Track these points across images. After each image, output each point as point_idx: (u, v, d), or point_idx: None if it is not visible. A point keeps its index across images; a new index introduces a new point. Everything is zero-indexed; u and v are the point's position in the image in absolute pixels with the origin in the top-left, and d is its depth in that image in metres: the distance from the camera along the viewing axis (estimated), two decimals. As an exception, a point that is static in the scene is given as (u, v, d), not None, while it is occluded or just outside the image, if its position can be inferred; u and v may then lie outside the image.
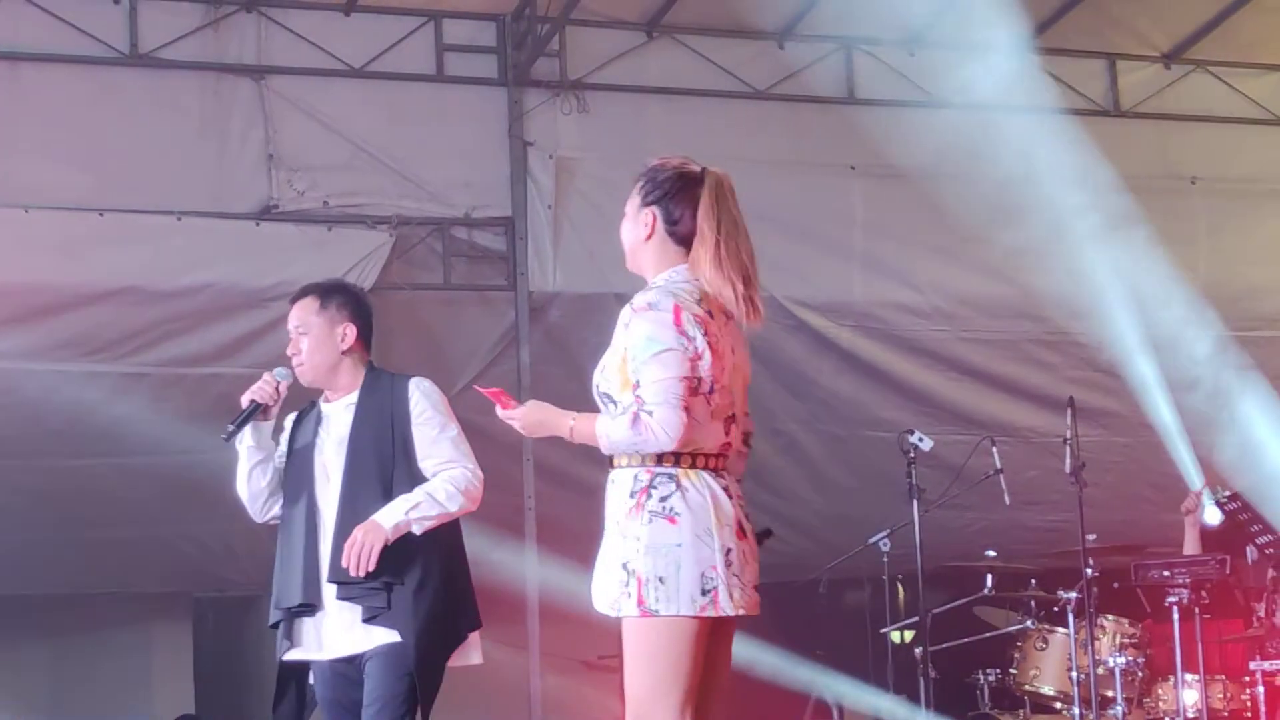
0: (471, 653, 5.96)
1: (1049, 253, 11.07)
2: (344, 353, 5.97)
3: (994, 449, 9.40)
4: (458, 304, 10.30)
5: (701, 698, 4.72)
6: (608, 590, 4.67)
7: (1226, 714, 9.12)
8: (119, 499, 10.49)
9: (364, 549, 5.62)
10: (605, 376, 4.74)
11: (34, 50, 9.61)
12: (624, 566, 4.62)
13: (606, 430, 4.64)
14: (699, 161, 4.93)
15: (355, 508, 5.77)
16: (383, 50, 10.18)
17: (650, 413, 4.58)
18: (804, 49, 10.88)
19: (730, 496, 4.72)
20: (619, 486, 4.71)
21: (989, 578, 9.55)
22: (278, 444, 6.07)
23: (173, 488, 10.41)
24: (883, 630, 9.95)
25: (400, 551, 5.71)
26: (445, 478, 5.80)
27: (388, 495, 5.77)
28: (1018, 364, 11.22)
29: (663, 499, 4.63)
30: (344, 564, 5.65)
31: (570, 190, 10.37)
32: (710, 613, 4.62)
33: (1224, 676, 9.16)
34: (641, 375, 4.61)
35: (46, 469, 10.17)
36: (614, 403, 4.70)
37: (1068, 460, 8.92)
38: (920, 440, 9.01)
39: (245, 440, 6.01)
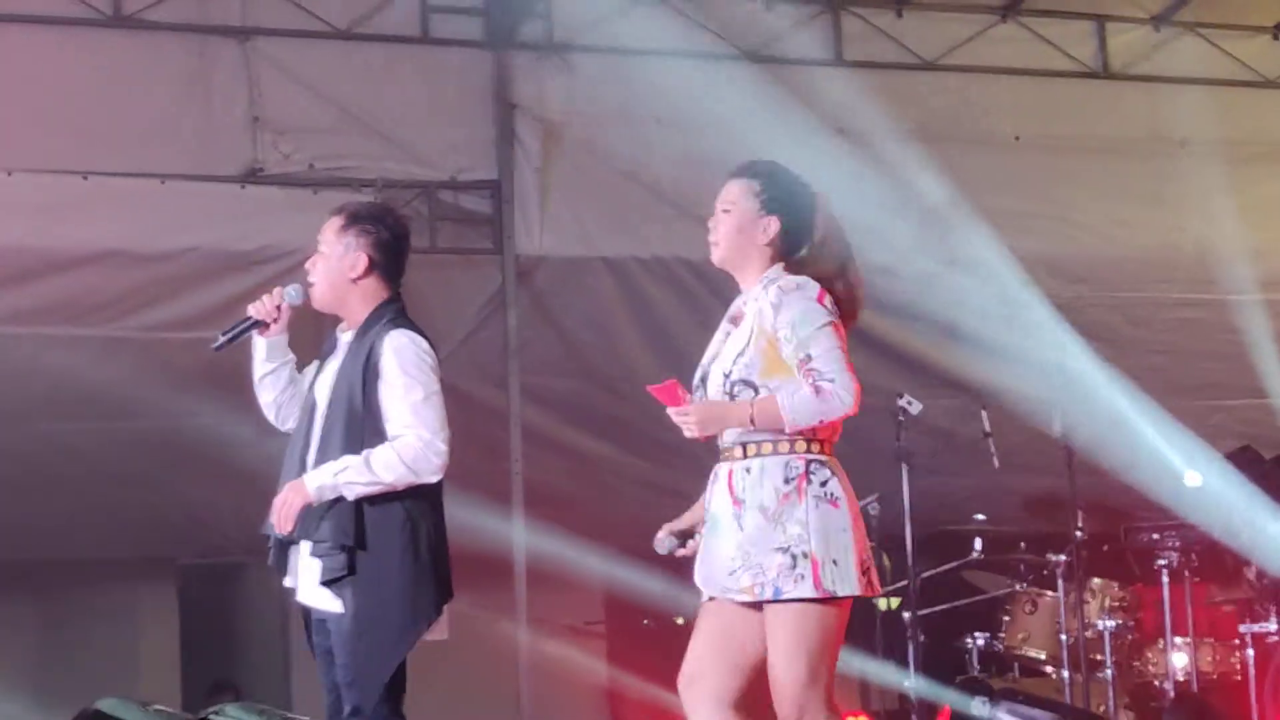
0: (436, 628, 5.69)
1: (1038, 215, 11.06)
2: (353, 281, 5.75)
3: (983, 413, 9.38)
4: (444, 267, 10.23)
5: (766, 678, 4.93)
6: (744, 575, 4.80)
7: (1215, 676, 9.13)
8: (103, 465, 10.44)
9: (285, 507, 5.51)
10: (744, 364, 4.89)
11: (16, 12, 9.52)
12: (786, 551, 4.75)
13: (790, 405, 4.78)
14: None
15: (326, 455, 5.60)
16: (368, 12, 10.11)
17: (832, 379, 4.78)
18: (791, 10, 10.82)
19: None
20: (764, 474, 4.83)
21: (978, 542, 9.54)
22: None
23: (157, 453, 10.38)
24: (876, 605, 9.93)
25: (358, 515, 5.52)
26: (391, 446, 5.52)
27: (355, 447, 5.55)
28: (1007, 327, 11.17)
29: (823, 484, 4.82)
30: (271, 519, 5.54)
31: (557, 153, 10.31)
32: (870, 593, 4.88)
33: (1213, 639, 9.17)
34: (812, 348, 4.81)
35: (29, 434, 10.12)
36: (753, 389, 4.86)
37: (1056, 425, 8.89)
38: (910, 404, 9.00)
39: (258, 351, 5.91)
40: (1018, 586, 9.46)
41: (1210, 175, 11.35)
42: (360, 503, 5.55)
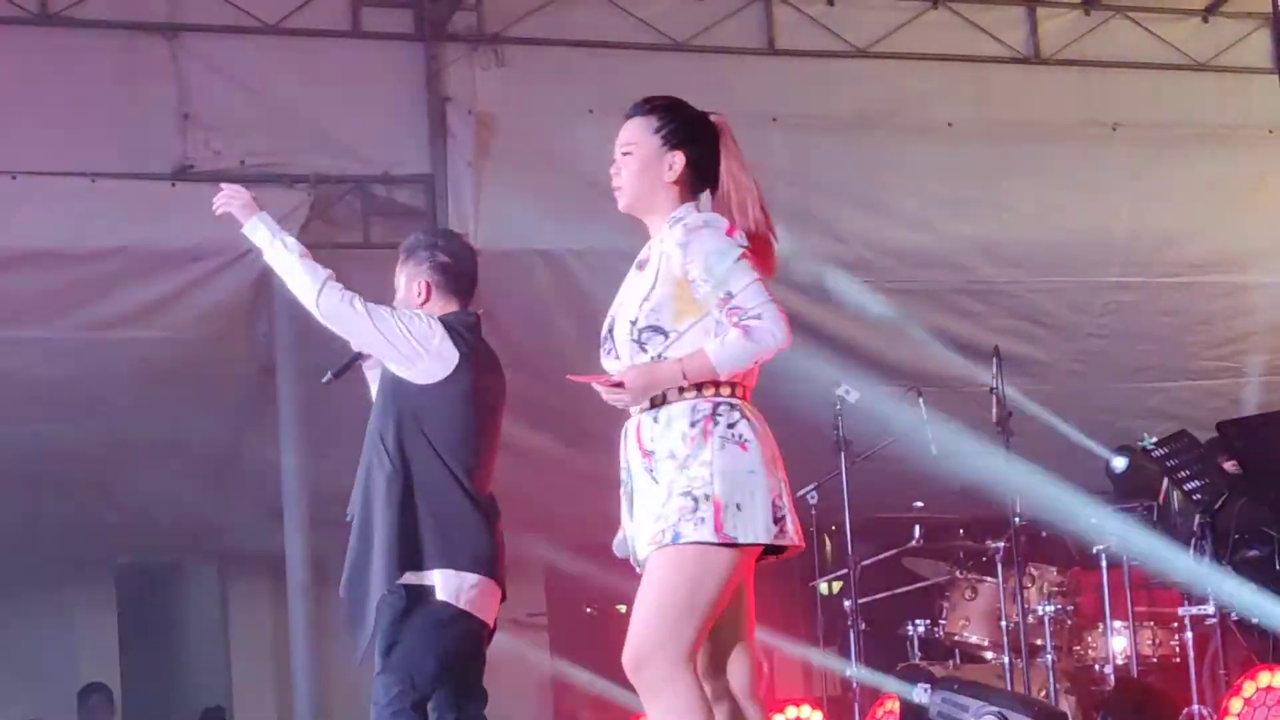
0: (441, 588, 5.93)
1: (972, 201, 11.10)
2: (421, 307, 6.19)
3: (920, 400, 9.39)
4: (379, 263, 10.09)
5: (742, 628, 4.70)
6: (661, 520, 4.50)
7: (1156, 659, 9.16)
8: (36, 466, 10.37)
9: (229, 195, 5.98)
10: (649, 309, 4.63)
11: (-59, 11, 9.44)
12: (689, 494, 4.46)
13: (720, 355, 4.52)
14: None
15: None
16: (298, 6, 10.04)
17: (758, 315, 4.50)
18: (722, 0, 10.81)
19: None
20: (671, 420, 4.56)
21: (917, 529, 9.54)
22: None
23: (92, 454, 10.32)
24: (812, 583, 9.95)
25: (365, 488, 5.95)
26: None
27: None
28: (943, 314, 11.21)
29: (730, 425, 4.52)
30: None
31: (491, 146, 10.27)
32: (782, 541, 4.53)
33: (1153, 623, 9.19)
34: (731, 284, 4.52)
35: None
36: (663, 335, 4.60)
37: (994, 410, 8.91)
38: (848, 393, 8.99)
39: (371, 376, 6.20)
40: (957, 573, 9.46)
41: (1142, 158, 11.42)
42: None
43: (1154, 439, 9.08)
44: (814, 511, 9.43)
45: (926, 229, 10.99)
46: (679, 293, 4.60)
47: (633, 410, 4.65)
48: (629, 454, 4.67)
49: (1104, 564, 8.92)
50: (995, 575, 9.11)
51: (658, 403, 4.59)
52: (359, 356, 6.09)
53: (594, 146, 10.11)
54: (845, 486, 9.03)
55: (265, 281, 9.70)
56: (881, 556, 9.75)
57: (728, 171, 4.73)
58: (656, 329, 4.61)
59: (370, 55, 10.30)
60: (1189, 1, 11.66)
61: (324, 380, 6.11)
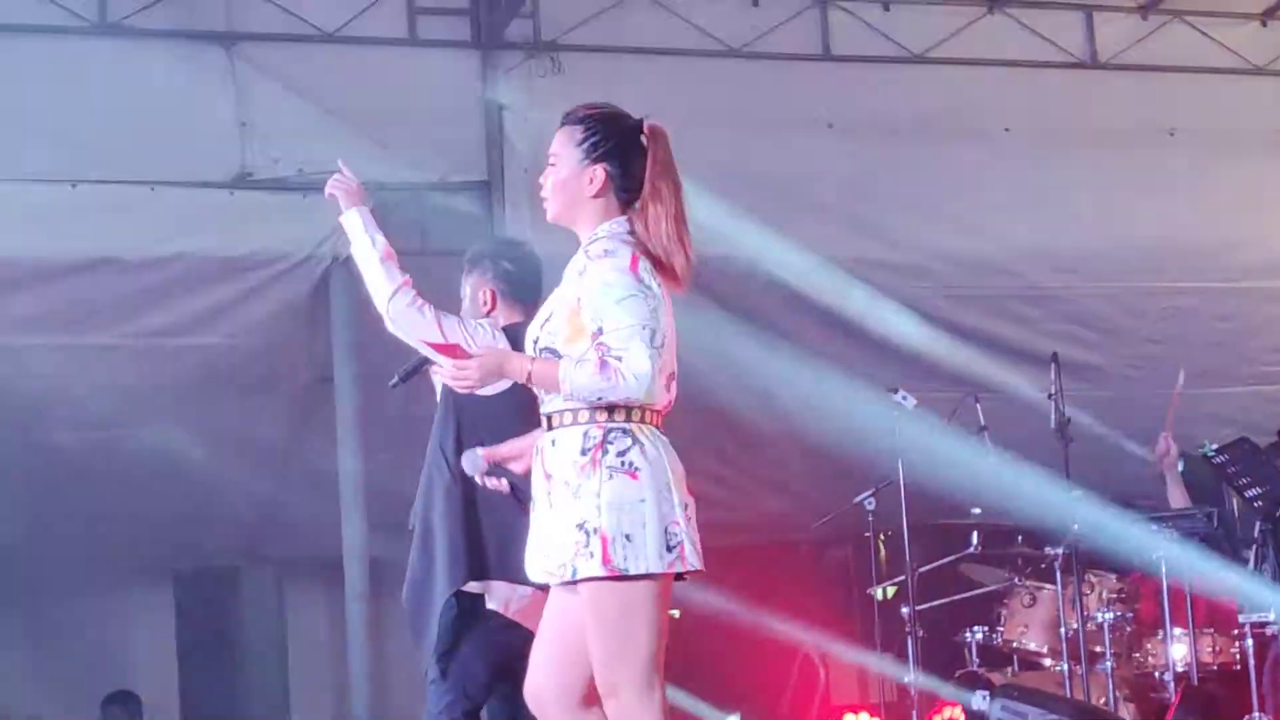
0: (490, 598, 6.00)
1: (1029, 207, 11.06)
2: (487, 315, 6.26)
3: (978, 406, 9.36)
4: (436, 270, 10.16)
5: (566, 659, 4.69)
6: (557, 554, 4.54)
7: (1215, 667, 9.09)
8: (95, 473, 10.43)
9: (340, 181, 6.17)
10: (548, 330, 4.64)
11: (2, 20, 9.49)
12: (580, 527, 4.49)
13: (570, 375, 4.50)
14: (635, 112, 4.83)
15: None
16: (355, 15, 10.08)
17: (619, 358, 4.47)
18: (778, 6, 10.80)
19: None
20: (564, 446, 4.57)
21: (975, 535, 9.51)
22: None
23: (149, 460, 10.35)
24: (869, 590, 9.92)
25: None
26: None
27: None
28: (999, 319, 11.17)
29: (620, 454, 4.52)
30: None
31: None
32: (679, 567, 4.52)
33: (1213, 630, 9.12)
34: (604, 321, 4.51)
35: (21, 444, 10.10)
36: (558, 357, 4.58)
37: (1052, 416, 8.87)
38: (904, 399, 8.97)
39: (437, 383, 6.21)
40: (1016, 580, 9.42)
41: (1200, 163, 11.36)
42: None
43: (1214, 445, 9.03)
44: (871, 518, 9.41)
45: (982, 235, 10.96)
46: (573, 318, 4.60)
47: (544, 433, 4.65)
48: (535, 476, 4.69)
49: (1164, 570, 8.86)
50: (1054, 582, 9.06)
51: (555, 424, 4.60)
52: (426, 361, 6.09)
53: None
54: (903, 492, 9.01)
55: (323, 288, 9.75)
56: (939, 563, 9.72)
57: (650, 182, 4.67)
58: (553, 350, 4.62)
59: (427, 63, 10.32)
60: (1247, 5, 11.60)
61: (391, 384, 6.13)
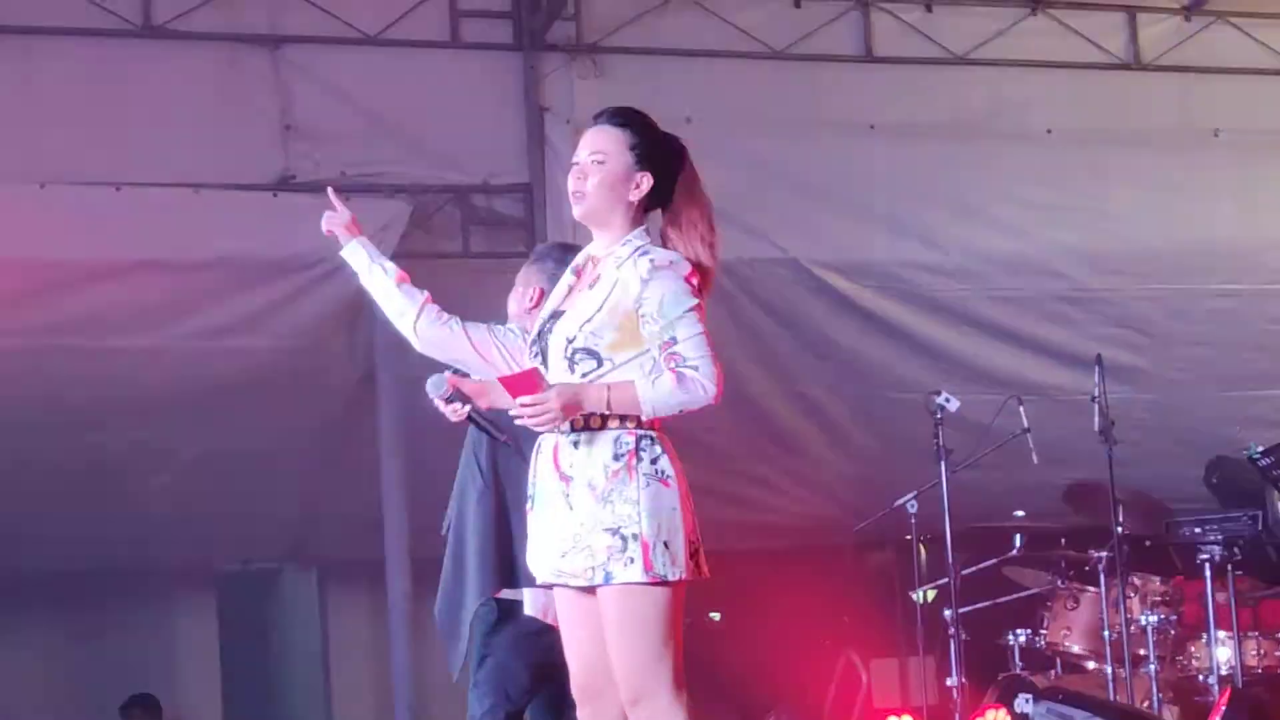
0: (528, 604, 5.98)
1: (1072, 208, 11.03)
2: (527, 312, 6.16)
3: (1020, 408, 9.33)
4: (478, 272, 10.21)
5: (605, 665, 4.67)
6: (582, 557, 4.57)
7: (1260, 671, 9.05)
8: (139, 474, 10.48)
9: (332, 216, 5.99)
10: (588, 330, 4.62)
11: (47, 23, 9.54)
12: (617, 533, 4.52)
13: (649, 395, 4.53)
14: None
15: None
16: (398, 17, 10.11)
17: (695, 368, 4.53)
18: (820, 7, 10.79)
19: None
20: (594, 448, 4.58)
21: (1018, 538, 9.48)
22: None
23: (193, 462, 10.40)
24: (912, 593, 9.89)
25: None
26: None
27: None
28: (1042, 321, 11.15)
29: (653, 461, 4.57)
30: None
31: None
32: (699, 576, 4.61)
33: (1257, 633, 9.08)
34: (677, 331, 4.55)
35: (67, 446, 10.16)
36: (596, 360, 4.60)
37: (1096, 419, 8.84)
38: (947, 401, 8.94)
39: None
40: (1059, 582, 9.38)
41: (1244, 164, 11.32)
42: None
43: (1260, 447, 9.00)
44: (914, 520, 9.39)
45: (1026, 236, 10.94)
46: (625, 324, 4.60)
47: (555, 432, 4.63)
48: (541, 474, 4.68)
49: (1208, 574, 8.82)
50: (1097, 585, 9.02)
51: (578, 427, 4.59)
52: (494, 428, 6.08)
53: (692, 155, 10.20)
54: (945, 495, 8.98)
55: (365, 290, 9.77)
56: (982, 566, 9.69)
57: (685, 189, 4.73)
58: (591, 353, 4.62)
59: (469, 65, 10.35)
60: (1291, 6, 11.55)
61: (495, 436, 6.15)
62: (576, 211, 4.79)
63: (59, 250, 9.36)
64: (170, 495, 10.70)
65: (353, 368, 10.30)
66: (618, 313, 4.61)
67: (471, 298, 10.22)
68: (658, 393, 4.53)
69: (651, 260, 4.62)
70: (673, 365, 4.54)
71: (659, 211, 4.76)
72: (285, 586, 13.77)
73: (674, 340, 4.55)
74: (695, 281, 4.62)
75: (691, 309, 4.57)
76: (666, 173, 4.74)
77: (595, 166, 4.74)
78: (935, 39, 10.93)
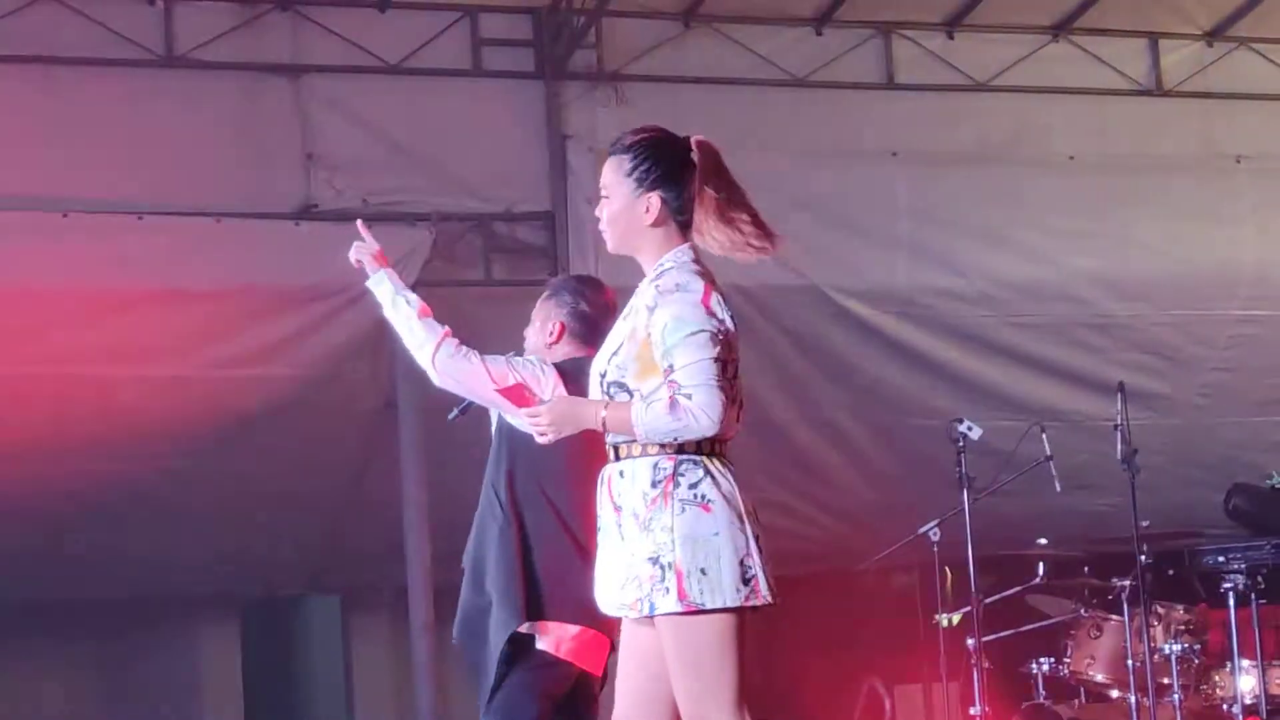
0: (541, 638, 5.95)
1: (1094, 235, 11.02)
2: (548, 347, 6.20)
3: (1043, 435, 9.31)
4: (500, 300, 10.23)
5: (663, 697, 4.59)
6: (632, 589, 4.49)
7: (1285, 699, 9.03)
8: (164, 503, 10.48)
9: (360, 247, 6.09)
10: (616, 364, 4.56)
11: (69, 54, 9.58)
12: (654, 561, 4.44)
13: (642, 417, 4.44)
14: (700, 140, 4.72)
15: None
16: (419, 46, 10.13)
17: (689, 396, 4.40)
18: (842, 35, 10.81)
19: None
20: (634, 478, 4.51)
21: (1041, 565, 9.45)
22: None
23: (217, 490, 10.40)
24: (935, 620, 9.87)
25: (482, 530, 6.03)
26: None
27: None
28: (1065, 348, 11.13)
29: (692, 486, 4.45)
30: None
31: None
32: (754, 601, 4.46)
33: (1281, 662, 9.06)
34: (675, 359, 4.44)
35: (90, 474, 10.16)
36: (628, 393, 4.53)
37: (1119, 446, 8.82)
38: (969, 429, 8.92)
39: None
40: (1082, 611, 9.36)
41: (1267, 190, 11.33)
42: None
43: (1281, 476, 8.99)
44: (936, 548, 9.37)
45: (1048, 262, 10.93)
46: (643, 352, 4.52)
47: (608, 458, 4.60)
48: (601, 505, 4.64)
49: (1231, 602, 8.79)
50: (1121, 613, 9.00)
51: (623, 455, 4.54)
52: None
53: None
54: (968, 523, 8.96)
55: (387, 320, 9.78)
56: (1005, 594, 9.66)
57: (698, 201, 4.60)
58: (622, 385, 4.55)
59: (491, 94, 10.36)
60: (1314, 31, 11.54)
61: (450, 417, 6.14)
62: (609, 247, 4.74)
63: (81, 279, 9.38)
64: (193, 523, 10.70)
65: (374, 396, 10.31)
66: (635, 343, 4.54)
67: (493, 325, 10.30)
68: (649, 417, 4.44)
69: (657, 286, 4.55)
70: (670, 392, 4.45)
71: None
72: (308, 613, 13.76)
73: (671, 368, 4.45)
74: (709, 304, 4.50)
75: (693, 334, 4.45)
76: (681, 187, 4.62)
77: (605, 202, 4.71)
78: (957, 66, 10.93)
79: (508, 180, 10.26)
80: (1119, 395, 8.91)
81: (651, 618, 4.49)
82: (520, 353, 6.23)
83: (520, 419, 4.68)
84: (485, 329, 10.28)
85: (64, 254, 9.29)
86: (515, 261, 10.32)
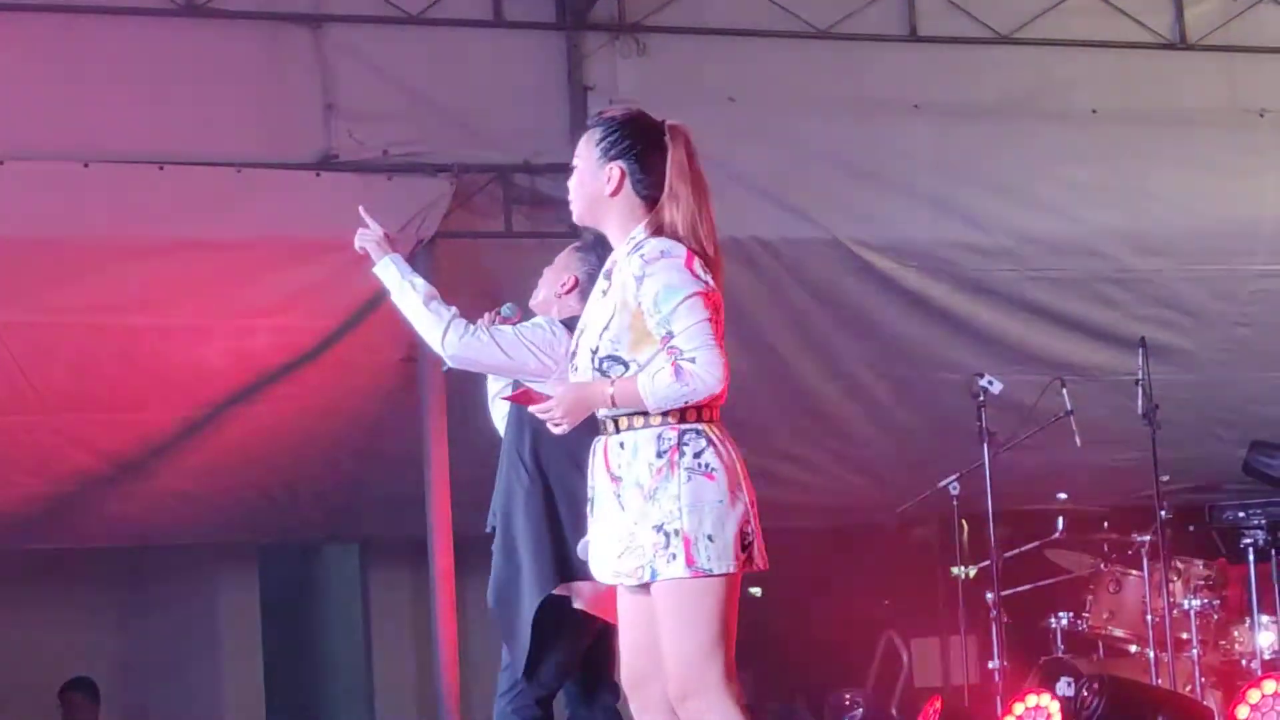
0: (577, 599, 5.99)
1: (1116, 189, 10.98)
2: (558, 297, 6.36)
3: (1064, 390, 9.30)
4: (520, 251, 10.21)
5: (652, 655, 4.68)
6: (632, 556, 4.58)
7: (1304, 655, 9.03)
8: (180, 450, 10.51)
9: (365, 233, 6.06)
10: (609, 338, 4.64)
11: (90, 3, 9.56)
12: (659, 529, 4.53)
13: (650, 389, 4.54)
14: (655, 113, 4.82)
15: None
16: (440, -4, 10.10)
17: (692, 359, 4.51)
18: (865, -14, 10.76)
19: None
20: (637, 449, 4.59)
21: (1060, 520, 9.46)
22: None
23: (234, 437, 10.43)
24: (952, 570, 9.88)
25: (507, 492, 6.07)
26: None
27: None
28: (1086, 302, 11.10)
29: (696, 455, 4.55)
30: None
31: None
32: (750, 568, 4.59)
33: (1301, 617, 9.06)
34: (673, 325, 4.54)
35: (107, 422, 10.20)
36: (623, 365, 4.62)
37: (1140, 401, 8.81)
38: (990, 383, 8.92)
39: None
40: (1101, 566, 9.37)
41: (1290, 144, 11.25)
42: None
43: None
44: (955, 502, 9.38)
45: (1069, 217, 10.88)
46: (635, 323, 4.60)
47: (601, 429, 4.67)
48: (596, 475, 4.70)
49: (1251, 558, 8.79)
50: (1140, 568, 9.01)
51: (624, 427, 4.61)
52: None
53: (734, 134, 10.19)
54: (989, 477, 8.96)
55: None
56: (1024, 549, 9.67)
57: (668, 185, 4.66)
58: (616, 359, 4.62)
59: (512, 45, 10.32)
60: (1339, -16, 11.46)
61: (444, 369, 6.16)
62: (573, 216, 4.83)
63: (102, 229, 9.38)
64: (213, 472, 10.73)
65: (394, 347, 10.31)
66: (627, 313, 4.62)
67: (513, 276, 10.30)
68: (657, 387, 4.53)
69: (642, 255, 4.61)
70: (672, 359, 4.53)
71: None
72: (327, 562, 13.84)
73: (671, 334, 4.54)
74: (693, 267, 4.59)
75: (687, 298, 4.54)
76: (646, 162, 4.69)
77: (574, 171, 4.80)
78: (980, 18, 10.86)
79: (529, 132, 10.22)
80: (1140, 350, 8.90)
81: (648, 585, 4.58)
82: (527, 301, 6.24)
83: (539, 417, 4.70)
84: (505, 280, 10.32)
85: (84, 204, 9.29)
86: (535, 213, 10.29)
